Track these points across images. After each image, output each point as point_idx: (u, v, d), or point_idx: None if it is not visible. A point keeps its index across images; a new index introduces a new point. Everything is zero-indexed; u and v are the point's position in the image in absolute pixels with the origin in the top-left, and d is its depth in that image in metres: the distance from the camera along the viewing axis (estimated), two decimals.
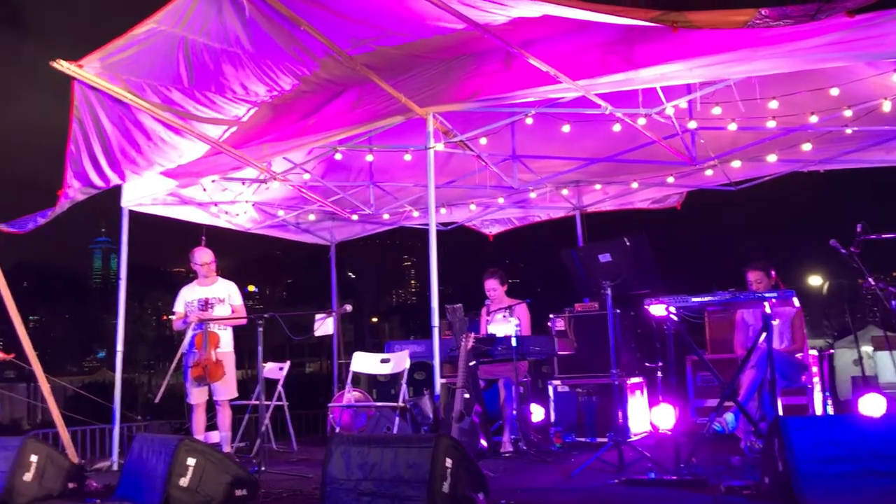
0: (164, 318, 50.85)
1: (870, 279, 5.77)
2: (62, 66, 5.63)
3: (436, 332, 6.13)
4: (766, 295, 5.23)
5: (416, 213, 9.92)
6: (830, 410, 7.21)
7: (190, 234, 9.25)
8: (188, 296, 7.31)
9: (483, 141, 7.69)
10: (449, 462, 3.96)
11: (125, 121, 6.27)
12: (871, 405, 6.76)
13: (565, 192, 9.56)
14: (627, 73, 5.65)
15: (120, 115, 6.22)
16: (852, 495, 3.70)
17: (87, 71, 5.75)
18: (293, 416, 8.32)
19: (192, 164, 7.30)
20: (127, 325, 7.91)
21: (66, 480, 5.58)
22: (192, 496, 4.61)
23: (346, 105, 7.00)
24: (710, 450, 5.84)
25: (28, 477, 5.38)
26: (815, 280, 27.12)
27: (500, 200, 9.58)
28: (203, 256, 7.33)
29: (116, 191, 7.28)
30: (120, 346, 7.80)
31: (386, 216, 9.99)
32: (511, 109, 6.67)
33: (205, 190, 8.37)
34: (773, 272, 6.36)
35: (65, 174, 6.51)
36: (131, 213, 7.89)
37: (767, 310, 5.18)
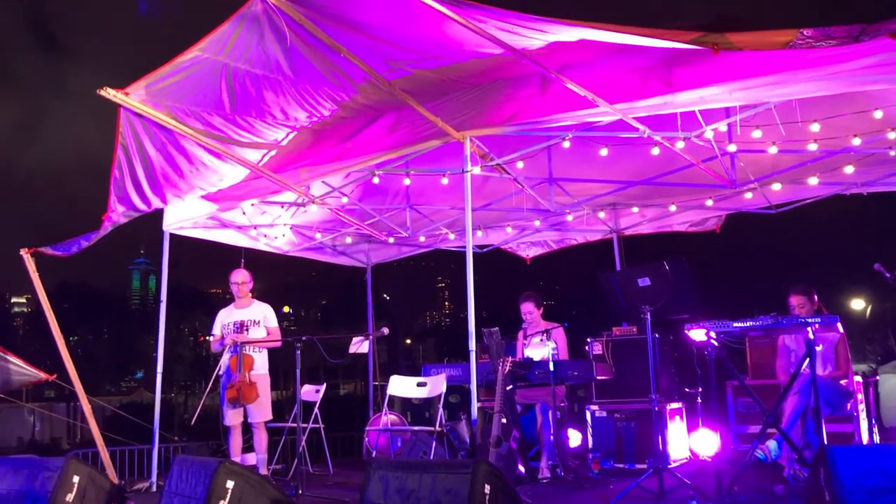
0: (201, 338, 51.46)
1: None
2: (109, 94, 5.76)
3: (473, 355, 6.11)
4: (810, 320, 5.14)
5: (451, 236, 9.94)
6: (877, 439, 7.03)
7: (227, 255, 9.38)
8: (225, 318, 7.40)
9: (520, 164, 7.69)
10: (487, 488, 3.93)
11: (168, 146, 6.39)
12: None
13: (602, 214, 9.52)
14: (666, 97, 5.62)
15: (163, 140, 6.34)
16: None
17: (132, 98, 5.88)
18: (327, 439, 8.33)
19: (232, 188, 7.41)
20: (165, 346, 8.01)
21: (108, 501, 5.64)
22: None
23: (384, 129, 7.05)
24: (753, 478, 5.72)
25: (70, 497, 5.44)
26: (857, 304, 26.60)
27: (537, 223, 9.57)
28: (236, 276, 7.45)
29: (156, 212, 7.40)
30: (160, 368, 7.90)
31: (422, 239, 10.02)
32: (548, 133, 6.68)
33: (244, 213, 8.49)
34: (815, 296, 6.25)
35: (109, 198, 6.64)
36: (171, 235, 8.03)
37: (811, 335, 5.09)
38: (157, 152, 6.40)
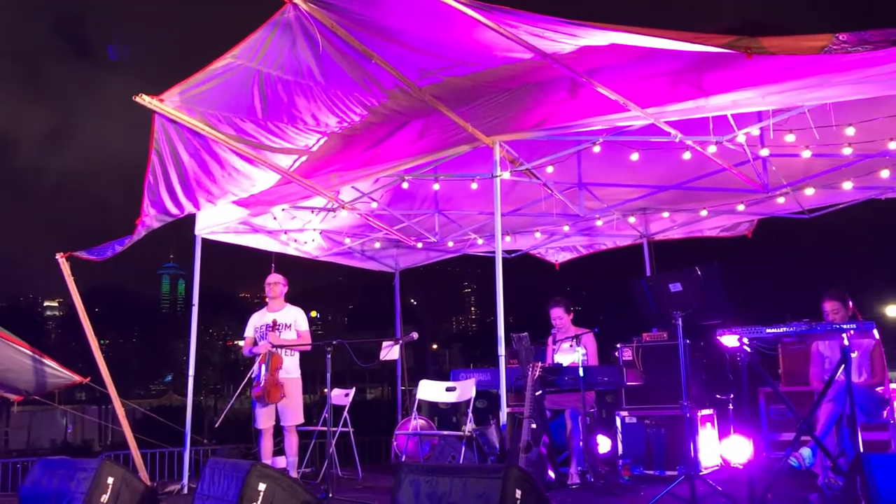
0: (230, 343, 51.84)
1: None
2: (144, 100, 5.86)
3: (502, 360, 6.11)
4: (845, 326, 5.07)
5: (480, 241, 9.94)
6: None
7: (257, 260, 9.47)
8: (258, 321, 7.47)
9: (549, 169, 7.68)
10: (518, 493, 3.92)
11: (201, 152, 6.47)
12: None
13: (632, 219, 9.47)
14: (697, 101, 5.59)
15: (196, 146, 6.43)
16: None
17: (167, 105, 5.97)
18: (356, 443, 8.36)
19: (263, 193, 7.48)
20: (196, 350, 8.10)
21: (140, 503, 5.70)
22: None
23: (413, 135, 7.08)
24: (786, 486, 5.66)
25: (105, 498, 5.51)
26: (892, 310, 26.16)
27: (566, 228, 9.54)
28: (269, 277, 7.52)
29: (186, 218, 7.49)
30: (192, 371, 7.98)
31: (450, 244, 10.04)
32: (578, 138, 6.66)
33: (275, 218, 8.58)
34: (850, 302, 6.17)
35: (142, 203, 6.74)
36: (202, 240, 8.12)
37: (845, 341, 5.02)
38: (191, 158, 6.49)
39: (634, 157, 7.15)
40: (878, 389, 6.14)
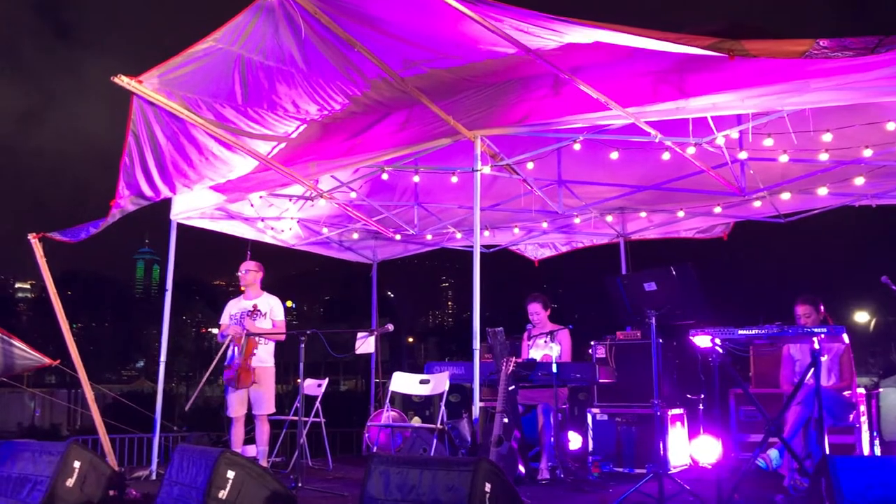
0: (204, 330, 51.53)
1: None
2: (123, 81, 5.78)
3: (476, 354, 6.12)
4: (816, 330, 5.12)
5: (459, 235, 9.94)
6: (877, 451, 7.02)
7: (233, 248, 9.40)
8: (233, 308, 7.41)
9: (530, 165, 7.69)
10: (488, 487, 3.93)
11: (179, 136, 6.40)
12: None
13: (610, 218, 9.51)
14: (678, 102, 5.62)
15: (175, 129, 6.35)
16: None
17: (146, 87, 5.89)
18: (328, 434, 8.33)
19: (241, 179, 7.42)
20: (168, 336, 8.03)
21: (107, 487, 5.65)
22: None
23: (394, 126, 7.06)
24: (753, 486, 5.71)
25: (70, 483, 5.45)
26: (861, 317, 26.55)
27: (544, 225, 9.56)
28: (245, 265, 7.44)
29: (162, 202, 7.41)
30: (163, 357, 7.91)
31: (429, 237, 10.02)
32: (559, 135, 6.67)
33: (252, 205, 8.52)
34: (822, 306, 6.24)
35: (118, 185, 6.65)
36: (178, 225, 8.05)
37: (816, 345, 5.08)
38: (168, 141, 6.41)
39: (614, 155, 7.18)
40: (846, 393, 6.22)
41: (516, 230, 9.94)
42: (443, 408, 7.24)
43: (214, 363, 7.23)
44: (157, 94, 5.99)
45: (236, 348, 7.02)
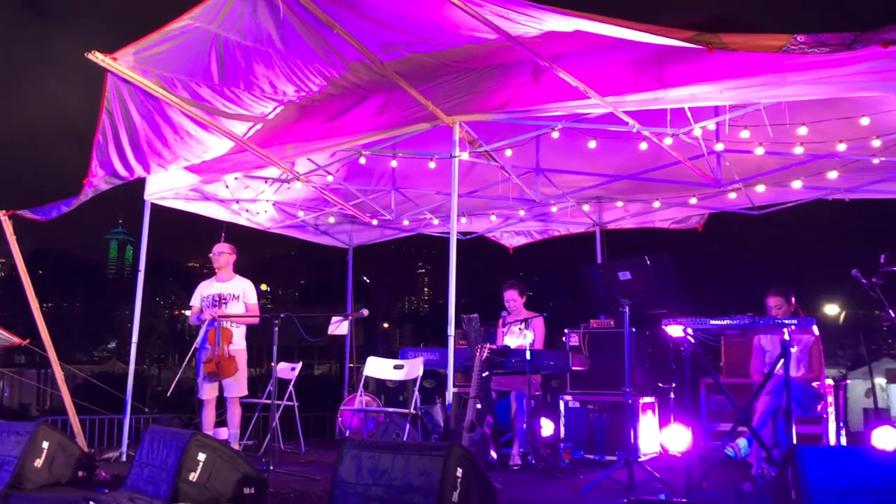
0: (176, 312, 51.12)
1: (890, 311, 5.72)
2: (97, 58, 5.68)
3: (451, 340, 6.13)
4: (786, 321, 5.19)
5: (436, 221, 9.93)
6: (844, 441, 7.13)
7: (207, 229, 9.32)
8: (205, 291, 7.34)
9: (508, 153, 7.69)
10: (460, 472, 3.95)
11: (154, 114, 6.32)
12: (885, 438, 6.70)
13: (586, 207, 9.55)
14: (657, 92, 5.64)
15: (150, 108, 6.27)
16: None
17: (121, 64, 5.80)
18: (301, 418, 8.31)
19: (216, 160, 7.34)
20: (140, 317, 7.95)
21: (76, 469, 5.60)
22: (200, 491, 4.61)
23: (373, 109, 7.02)
24: (722, 475, 5.78)
25: (38, 463, 5.40)
26: (831, 309, 26.93)
27: (521, 213, 9.58)
28: (217, 247, 7.38)
29: (136, 182, 7.31)
30: (135, 338, 7.84)
31: (406, 222, 10.00)
32: (538, 122, 6.67)
33: (227, 187, 8.44)
34: (793, 298, 6.31)
35: (90, 163, 6.54)
36: (151, 205, 7.96)
37: (786, 336, 5.14)
38: (143, 120, 6.32)
39: (592, 144, 7.20)
40: (815, 384, 6.31)
41: (493, 217, 9.95)
42: (416, 393, 7.25)
43: (193, 348, 7.21)
44: (132, 71, 5.91)
45: (213, 339, 6.98)
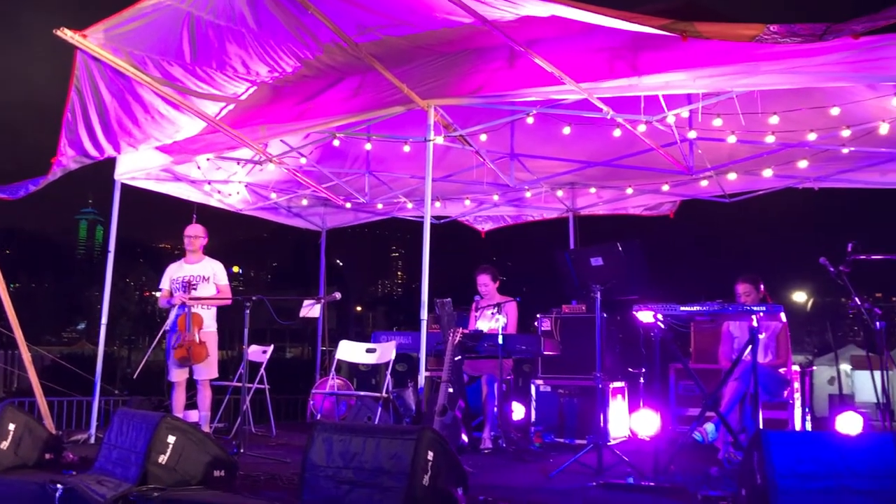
0: (147, 293, 50.67)
1: (856, 298, 5.81)
2: (66, 35, 5.58)
3: (424, 324, 6.14)
4: (755, 308, 5.25)
5: (410, 205, 9.91)
6: (809, 427, 7.26)
7: (178, 210, 9.22)
8: (174, 273, 7.27)
9: (483, 137, 7.68)
10: (431, 455, 3.95)
11: (125, 93, 6.22)
12: (849, 423, 6.83)
13: (560, 193, 9.58)
14: (631, 79, 5.66)
15: (120, 87, 6.17)
16: None
17: (90, 41, 5.70)
18: (271, 401, 8.29)
19: (188, 140, 7.26)
20: (110, 298, 7.86)
21: (43, 451, 5.54)
22: (170, 474, 4.58)
23: (347, 92, 6.97)
24: (689, 459, 5.85)
25: (5, 445, 5.34)
26: (799, 296, 27.33)
27: (496, 198, 9.59)
28: (192, 229, 7.30)
29: (107, 162, 7.21)
30: (105, 319, 7.75)
31: (380, 206, 9.97)
32: (513, 107, 6.67)
33: (199, 168, 8.36)
34: (762, 286, 6.40)
35: (59, 142, 6.45)
36: (122, 185, 7.86)
37: (755, 323, 5.21)
38: (113, 98, 6.23)
39: (566, 130, 7.21)
40: (782, 370, 6.41)
41: (467, 202, 9.95)
42: (388, 377, 7.26)
43: (162, 330, 7.15)
44: (102, 49, 5.81)
45: (184, 324, 6.91)
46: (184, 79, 6.35)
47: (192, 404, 7.26)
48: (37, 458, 5.48)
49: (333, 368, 7.91)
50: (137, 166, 7.75)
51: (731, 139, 6.81)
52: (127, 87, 6.23)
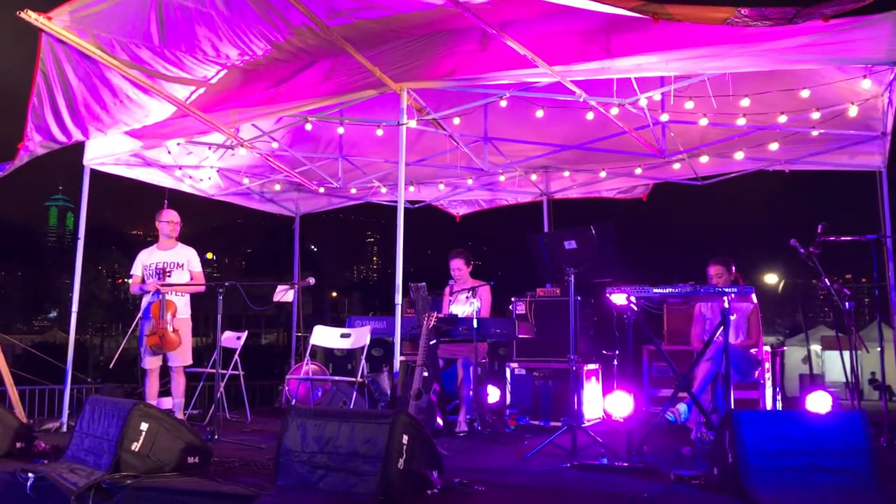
0: (119, 281, 50.15)
1: (826, 280, 5.89)
2: (30, 17, 5.45)
3: (398, 308, 6.13)
4: (726, 290, 5.31)
5: (384, 190, 9.87)
6: (780, 406, 7.37)
7: (149, 196, 9.11)
8: (147, 259, 7.18)
9: (456, 121, 7.67)
10: (405, 439, 3.96)
11: (92, 77, 6.10)
12: (818, 402, 6.94)
13: (534, 177, 9.59)
14: (604, 62, 5.67)
15: (87, 70, 6.05)
16: (798, 489, 3.79)
17: (56, 24, 5.57)
18: (246, 387, 8.26)
19: (158, 125, 7.15)
20: (82, 285, 7.76)
21: (14, 440, 5.47)
22: (143, 461, 4.55)
23: (319, 75, 6.91)
24: (662, 439, 5.93)
25: None
26: (771, 278, 27.68)
27: (470, 182, 9.59)
28: (169, 215, 7.21)
29: (77, 147, 7.09)
30: (75, 307, 7.65)
31: (353, 191, 9.93)
32: (486, 91, 6.66)
33: (170, 153, 8.27)
34: (733, 267, 6.46)
35: (25, 127, 6.32)
36: (92, 171, 7.74)
37: (726, 304, 5.26)
38: (80, 82, 6.11)
39: (539, 113, 7.22)
40: (753, 351, 6.49)
41: (441, 186, 9.93)
42: (363, 361, 7.25)
43: (138, 318, 7.09)
44: (68, 31, 5.68)
45: (157, 312, 6.85)
46: (153, 62, 6.24)
47: (165, 391, 7.20)
48: (7, 448, 5.42)
49: (308, 353, 7.89)
50: (107, 151, 7.63)
51: (703, 122, 6.85)
52: (94, 71, 6.11)
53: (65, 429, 7.11)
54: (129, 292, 8.15)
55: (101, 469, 4.48)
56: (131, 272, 7.28)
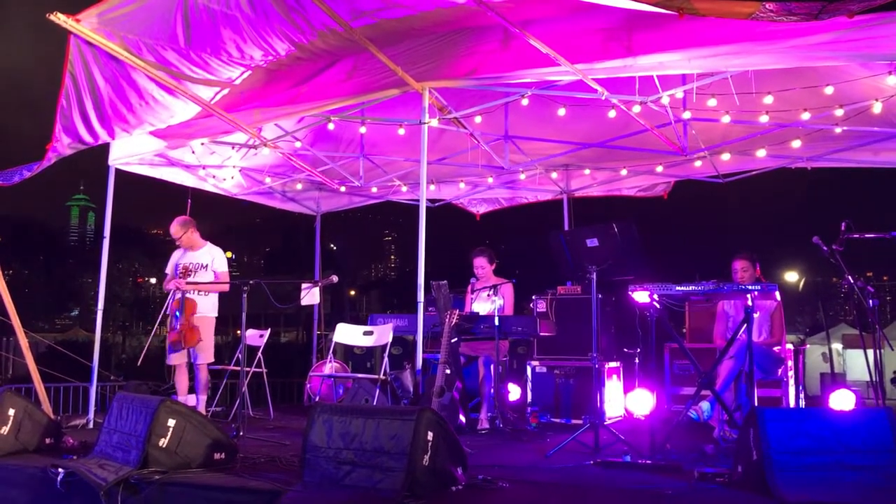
0: (140, 280, 50.56)
1: (849, 277, 5.85)
2: (59, 19, 5.53)
3: (420, 306, 6.17)
4: (750, 287, 5.30)
5: (404, 188, 9.91)
6: (802, 404, 7.33)
7: (171, 195, 9.20)
8: (178, 259, 7.42)
9: (477, 119, 7.68)
10: (430, 435, 3.99)
11: (119, 78, 6.18)
12: (842, 400, 6.89)
13: (554, 175, 9.59)
14: (626, 60, 5.66)
15: (114, 72, 6.13)
16: (823, 486, 3.78)
17: (84, 26, 5.64)
18: (269, 384, 8.32)
19: (182, 125, 7.23)
20: (105, 284, 7.88)
21: (44, 436, 5.57)
22: (170, 457, 4.61)
23: (341, 75, 6.95)
24: (685, 437, 5.91)
25: (5, 430, 5.36)
26: (791, 276, 27.46)
27: (490, 180, 9.60)
28: (172, 230, 7.38)
29: (99, 147, 7.17)
30: (101, 305, 7.76)
31: (374, 189, 9.97)
32: (507, 89, 6.67)
33: (193, 152, 8.34)
34: (757, 264, 6.44)
35: (54, 128, 6.40)
36: (116, 171, 7.84)
37: (749, 302, 5.25)
38: (108, 84, 6.18)
39: (561, 112, 7.21)
40: (776, 349, 6.46)
41: (462, 185, 9.95)
42: (385, 359, 7.29)
43: (162, 315, 7.22)
44: (96, 34, 5.75)
45: (178, 310, 6.99)
46: (178, 63, 6.31)
47: (189, 388, 7.30)
48: (37, 443, 5.51)
49: (332, 351, 7.94)
50: (131, 151, 7.72)
51: (726, 119, 6.82)
52: (121, 72, 6.18)
53: (91, 425, 7.21)
54: (150, 290, 8.22)
55: (129, 464, 4.55)
56: (166, 271, 7.47)
